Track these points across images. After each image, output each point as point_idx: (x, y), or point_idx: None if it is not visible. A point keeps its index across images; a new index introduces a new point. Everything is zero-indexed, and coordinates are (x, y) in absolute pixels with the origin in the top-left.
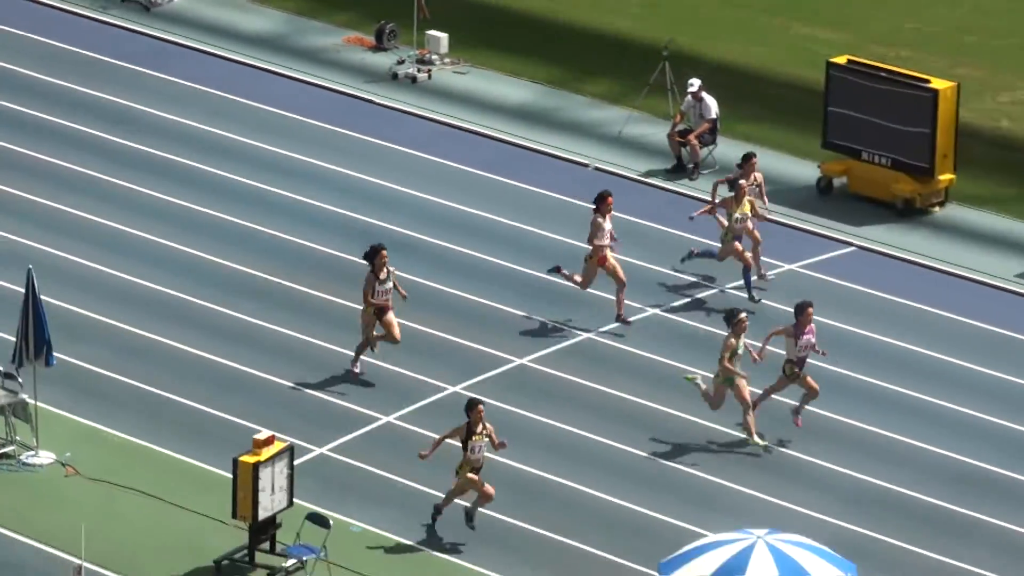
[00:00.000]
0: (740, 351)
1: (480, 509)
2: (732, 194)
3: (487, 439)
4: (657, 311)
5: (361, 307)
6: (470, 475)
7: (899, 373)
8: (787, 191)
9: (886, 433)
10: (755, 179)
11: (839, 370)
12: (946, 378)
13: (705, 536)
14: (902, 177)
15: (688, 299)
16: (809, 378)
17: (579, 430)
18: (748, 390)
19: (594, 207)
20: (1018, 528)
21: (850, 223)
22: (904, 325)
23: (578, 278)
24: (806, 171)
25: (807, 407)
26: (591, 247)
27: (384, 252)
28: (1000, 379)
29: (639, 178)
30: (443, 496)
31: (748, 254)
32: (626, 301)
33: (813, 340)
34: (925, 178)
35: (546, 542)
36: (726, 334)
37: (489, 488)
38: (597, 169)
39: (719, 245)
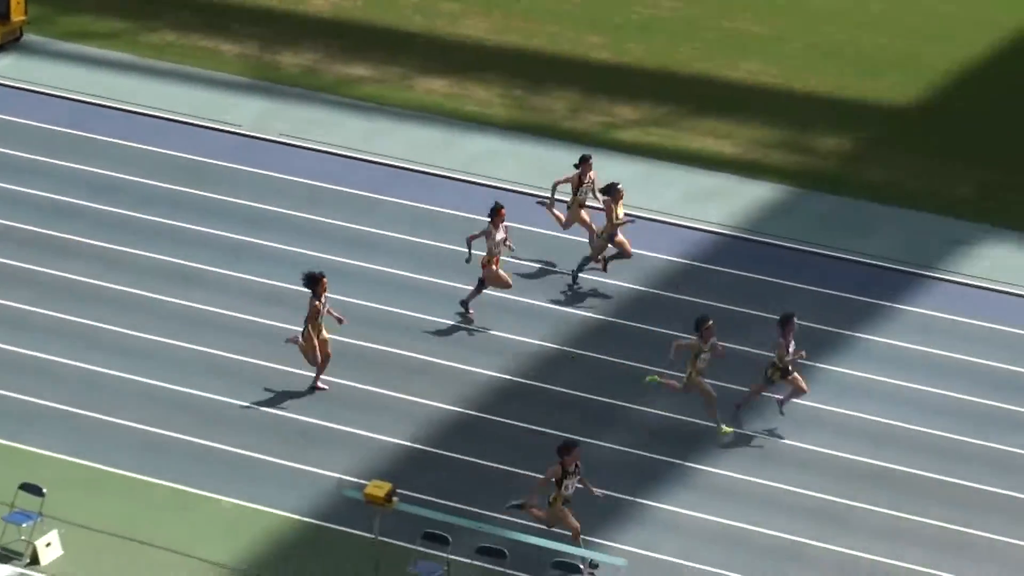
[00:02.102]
0: (707, 353)
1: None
2: (610, 196)
3: (578, 480)
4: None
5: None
6: (563, 508)
7: None
8: None
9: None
10: (590, 178)
11: None
12: None
13: None
14: None
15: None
16: (798, 378)
17: None
18: (708, 384)
19: (488, 218)
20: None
21: None
22: None
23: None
24: None
25: None
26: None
27: (324, 280)
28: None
29: None
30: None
31: (629, 246)
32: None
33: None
34: None
35: None
36: (693, 339)
37: (576, 523)
38: None
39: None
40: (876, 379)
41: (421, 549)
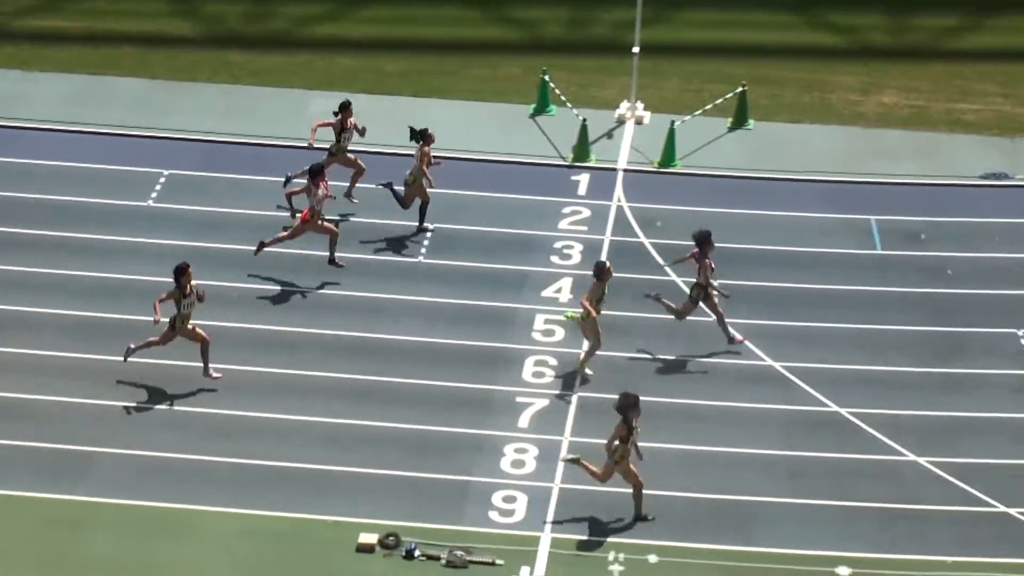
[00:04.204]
0: (605, 295)
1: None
2: (422, 143)
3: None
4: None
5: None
6: (632, 468)
7: None
8: None
9: None
10: (351, 124)
11: None
12: None
13: None
14: None
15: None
16: (714, 300)
17: None
18: (596, 329)
19: (310, 176)
20: None
21: None
22: None
23: (283, 234)
24: None
25: None
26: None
27: (190, 270)
28: None
29: None
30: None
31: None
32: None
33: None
34: None
35: None
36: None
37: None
38: None
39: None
40: None
41: None
